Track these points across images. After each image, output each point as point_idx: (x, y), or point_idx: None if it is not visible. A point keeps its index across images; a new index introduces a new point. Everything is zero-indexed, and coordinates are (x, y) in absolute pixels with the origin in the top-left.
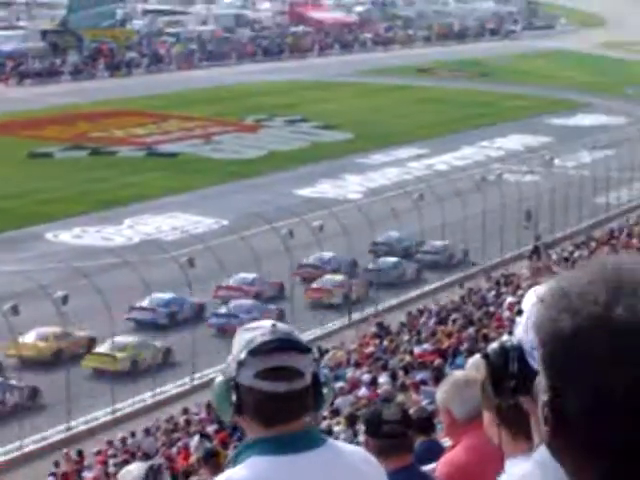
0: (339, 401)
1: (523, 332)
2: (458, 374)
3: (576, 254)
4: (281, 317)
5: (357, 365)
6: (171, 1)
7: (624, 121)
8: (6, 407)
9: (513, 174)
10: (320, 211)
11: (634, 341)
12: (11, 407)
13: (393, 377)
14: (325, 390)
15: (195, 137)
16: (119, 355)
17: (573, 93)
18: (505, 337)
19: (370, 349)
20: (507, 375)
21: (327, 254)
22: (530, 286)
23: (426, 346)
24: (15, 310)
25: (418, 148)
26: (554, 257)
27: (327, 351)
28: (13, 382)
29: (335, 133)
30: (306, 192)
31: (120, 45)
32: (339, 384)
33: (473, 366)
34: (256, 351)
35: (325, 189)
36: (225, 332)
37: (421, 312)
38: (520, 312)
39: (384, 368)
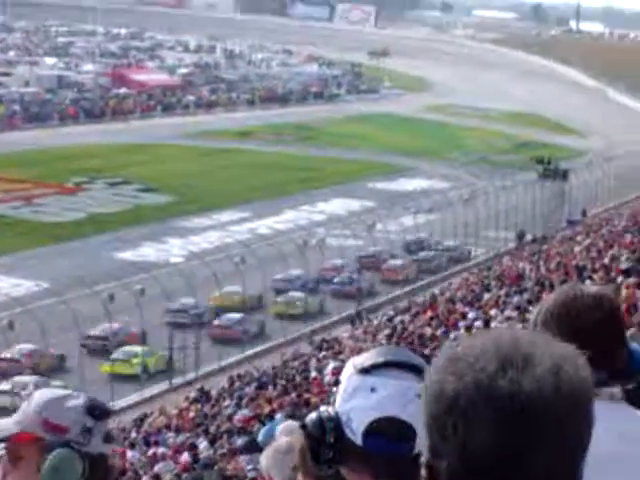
0: (160, 466)
1: (341, 402)
2: (281, 440)
3: (397, 319)
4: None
5: (178, 430)
6: None
7: (447, 185)
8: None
9: (335, 238)
10: (142, 274)
11: (508, 414)
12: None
13: (213, 442)
14: None
15: (16, 199)
16: (297, 303)
17: (397, 157)
18: (322, 408)
19: (191, 414)
20: (324, 446)
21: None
22: (352, 352)
23: (246, 411)
24: None
25: (240, 212)
26: (375, 322)
27: (146, 415)
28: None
29: (157, 196)
30: (128, 255)
31: None
32: (160, 449)
33: (285, 431)
34: (101, 415)
35: (147, 252)
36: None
37: (241, 377)
38: (338, 382)
39: (205, 433)
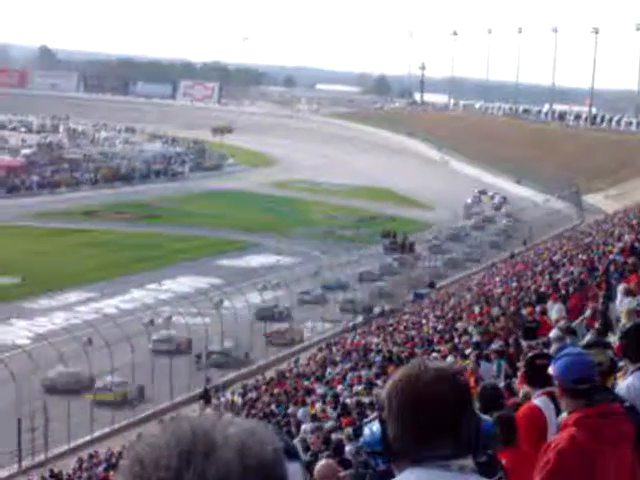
0: None
1: None
2: None
3: (249, 396)
4: None
5: None
6: None
7: (294, 260)
8: None
9: (182, 316)
10: None
11: None
12: None
13: None
14: None
15: None
16: None
17: (243, 233)
18: None
19: None
20: None
21: None
22: None
23: None
24: None
25: (86, 292)
26: (223, 400)
27: None
28: None
29: (3, 278)
30: None
31: None
32: None
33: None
34: None
35: None
36: None
37: (92, 456)
38: None
39: None
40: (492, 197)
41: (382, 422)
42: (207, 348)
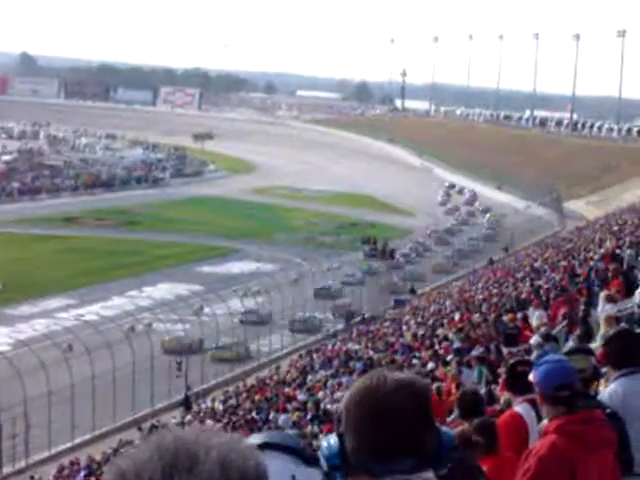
0: None
1: None
2: None
3: (230, 402)
4: None
5: None
6: None
7: (274, 267)
8: None
9: (163, 323)
10: None
11: None
12: None
13: None
14: None
15: None
16: None
17: (223, 240)
18: None
19: None
20: None
21: None
22: None
23: None
24: None
25: (67, 298)
26: (203, 407)
27: None
28: None
29: None
30: None
31: None
32: None
33: None
34: None
35: None
36: None
37: (72, 463)
38: None
39: None
40: (460, 192)
41: (340, 434)
42: (294, 317)
